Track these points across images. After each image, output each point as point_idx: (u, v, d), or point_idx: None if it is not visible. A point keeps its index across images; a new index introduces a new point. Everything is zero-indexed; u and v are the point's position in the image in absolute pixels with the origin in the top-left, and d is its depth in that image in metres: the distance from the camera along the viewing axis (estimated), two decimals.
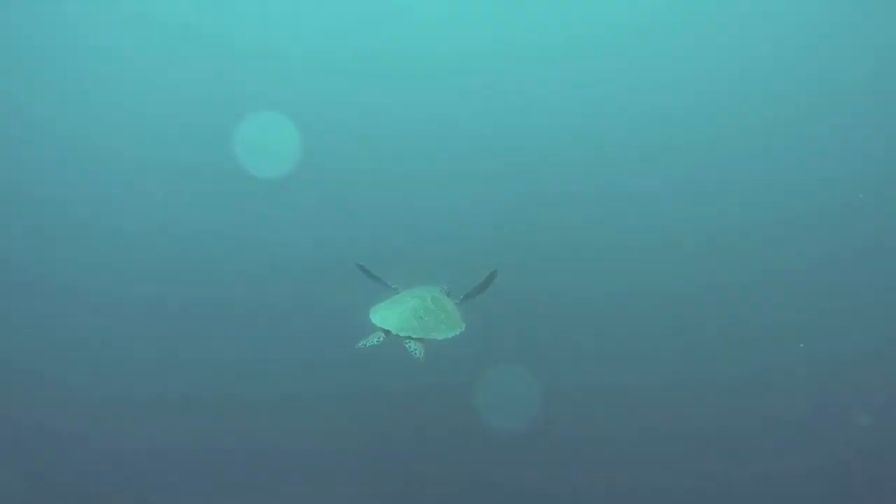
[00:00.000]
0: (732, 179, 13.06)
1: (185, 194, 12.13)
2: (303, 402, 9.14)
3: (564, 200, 12.73)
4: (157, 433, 8.78)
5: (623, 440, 8.86)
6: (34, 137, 11.44)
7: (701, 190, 12.92)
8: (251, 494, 8.41)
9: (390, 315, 5.76)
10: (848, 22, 12.47)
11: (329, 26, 12.92)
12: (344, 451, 8.68)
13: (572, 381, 9.19)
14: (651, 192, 12.82)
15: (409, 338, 5.59)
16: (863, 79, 12.30)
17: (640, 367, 9.81)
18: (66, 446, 8.66)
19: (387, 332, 5.62)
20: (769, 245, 11.71)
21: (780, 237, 11.78)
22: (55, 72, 11.35)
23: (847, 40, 12.59)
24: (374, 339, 5.58)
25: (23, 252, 10.90)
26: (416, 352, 5.52)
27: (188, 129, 12.62)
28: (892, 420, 8.85)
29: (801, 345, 9.61)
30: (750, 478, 8.50)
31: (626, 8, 13.31)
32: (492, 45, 12.98)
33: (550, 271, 11.12)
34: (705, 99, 13.36)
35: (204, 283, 11.35)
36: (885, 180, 11.79)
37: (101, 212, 11.71)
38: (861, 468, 8.39)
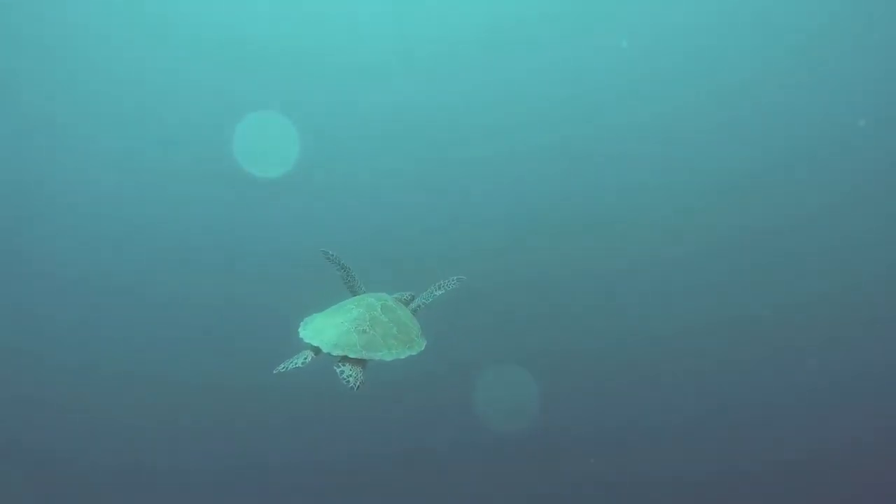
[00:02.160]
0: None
1: (180, 193, 12.22)
2: (297, 399, 8.99)
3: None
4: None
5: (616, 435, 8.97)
6: (30, 138, 11.54)
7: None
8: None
9: (325, 327, 4.48)
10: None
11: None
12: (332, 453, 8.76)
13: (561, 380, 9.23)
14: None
15: (345, 358, 4.27)
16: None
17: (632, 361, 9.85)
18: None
19: (317, 349, 4.33)
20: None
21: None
22: (53, 71, 11.39)
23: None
24: (298, 361, 4.27)
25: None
26: (350, 377, 4.17)
27: (184, 129, 12.71)
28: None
29: None
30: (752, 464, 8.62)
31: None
32: (484, 42, 12.93)
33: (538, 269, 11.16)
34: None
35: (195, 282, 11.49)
36: None
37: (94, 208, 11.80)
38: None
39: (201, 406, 9.02)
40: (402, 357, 4.40)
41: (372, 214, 12.61)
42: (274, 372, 4.20)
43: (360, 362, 4.31)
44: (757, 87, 12.32)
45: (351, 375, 4.18)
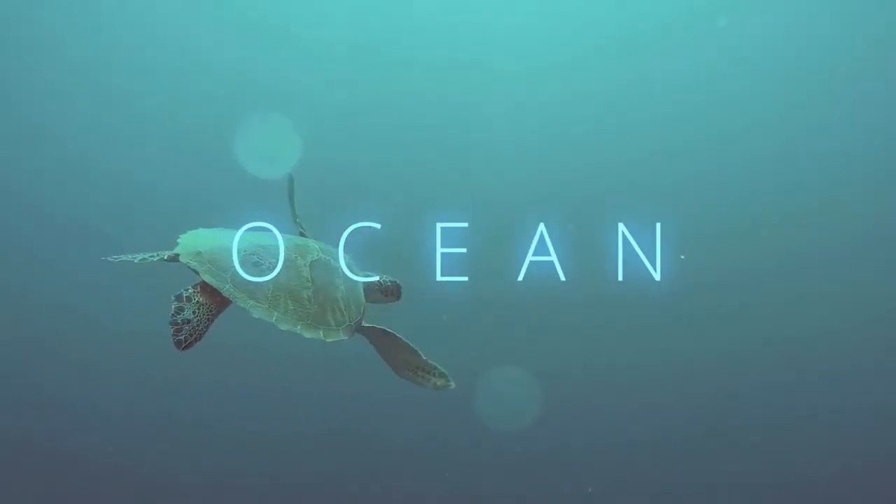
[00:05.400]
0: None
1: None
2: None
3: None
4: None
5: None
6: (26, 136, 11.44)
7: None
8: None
9: (212, 238, 3.20)
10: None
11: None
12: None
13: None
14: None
15: (201, 290, 2.93)
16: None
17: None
18: None
19: (175, 256, 3.05)
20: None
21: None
22: (50, 71, 11.34)
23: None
24: (139, 255, 3.08)
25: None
26: (185, 326, 2.77)
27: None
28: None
29: None
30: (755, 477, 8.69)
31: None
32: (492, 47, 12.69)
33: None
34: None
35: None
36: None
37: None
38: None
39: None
40: (283, 328, 2.96)
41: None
42: (104, 258, 3.11)
43: (213, 305, 2.91)
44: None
45: (188, 321, 2.78)
